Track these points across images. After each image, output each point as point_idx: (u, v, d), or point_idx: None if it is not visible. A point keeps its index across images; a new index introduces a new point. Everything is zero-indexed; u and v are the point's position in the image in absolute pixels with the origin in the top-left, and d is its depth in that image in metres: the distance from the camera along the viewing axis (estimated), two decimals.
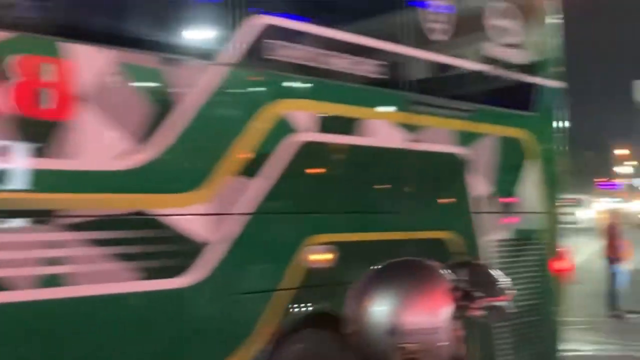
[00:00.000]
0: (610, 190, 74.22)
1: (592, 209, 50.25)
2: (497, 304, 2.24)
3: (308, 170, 5.09)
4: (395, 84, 5.71)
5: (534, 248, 6.81)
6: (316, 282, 4.94)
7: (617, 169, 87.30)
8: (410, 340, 1.95)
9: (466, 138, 6.17)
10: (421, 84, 5.97)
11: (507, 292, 2.27)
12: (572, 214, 36.60)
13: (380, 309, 1.97)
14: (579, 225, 35.28)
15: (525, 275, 6.52)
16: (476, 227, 6.18)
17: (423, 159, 5.81)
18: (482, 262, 2.37)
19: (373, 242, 5.32)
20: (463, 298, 2.08)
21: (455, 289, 2.05)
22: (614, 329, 11.65)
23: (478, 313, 2.18)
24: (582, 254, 24.75)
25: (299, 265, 4.87)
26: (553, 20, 7.37)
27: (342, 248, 5.10)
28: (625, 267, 12.83)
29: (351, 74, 5.31)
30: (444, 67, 6.33)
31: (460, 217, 6.14)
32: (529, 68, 7.10)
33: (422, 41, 5.91)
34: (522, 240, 6.67)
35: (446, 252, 5.85)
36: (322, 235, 5.02)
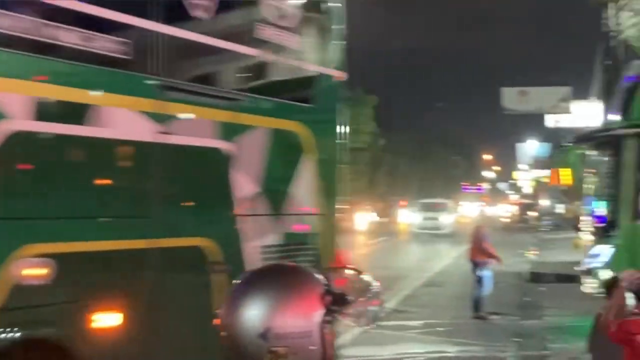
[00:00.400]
0: (475, 193, 77.64)
1: (458, 214, 50.05)
2: (369, 308, 2.28)
3: (19, 166, 4.16)
4: (141, 66, 4.84)
5: (308, 254, 6.06)
6: (28, 302, 4.05)
7: (485, 173, 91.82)
8: (281, 344, 1.96)
9: (230, 130, 5.37)
10: (175, 68, 5.12)
11: (379, 296, 2.29)
12: (436, 219, 37.05)
13: (252, 313, 1.97)
14: (442, 231, 36.95)
15: None
16: (239, 232, 5.41)
17: (176, 153, 4.99)
18: (355, 267, 2.29)
19: (109, 252, 4.51)
20: (335, 302, 2.05)
21: (327, 293, 2.04)
22: (477, 331, 11.66)
23: (350, 317, 2.19)
24: (446, 257, 25.30)
25: (6, 282, 3.95)
26: (336, 5, 6.79)
27: (65, 260, 4.21)
28: (490, 270, 12.89)
29: (82, 51, 4.41)
30: (206, 49, 5.44)
31: (221, 221, 5.37)
32: (309, 56, 6.42)
33: (179, 17, 5.06)
34: (295, 245, 5.93)
35: (202, 262, 5.10)
36: (37, 245, 4.13)
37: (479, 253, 13.20)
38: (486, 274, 13.05)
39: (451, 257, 24.82)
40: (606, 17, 31.11)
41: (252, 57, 5.88)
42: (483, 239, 13.32)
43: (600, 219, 10.90)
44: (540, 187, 62.34)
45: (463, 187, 79.14)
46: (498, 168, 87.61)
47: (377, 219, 48.12)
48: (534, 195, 67.23)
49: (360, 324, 2.35)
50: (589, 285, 10.36)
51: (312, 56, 6.48)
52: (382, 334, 10.93)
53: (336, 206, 6.59)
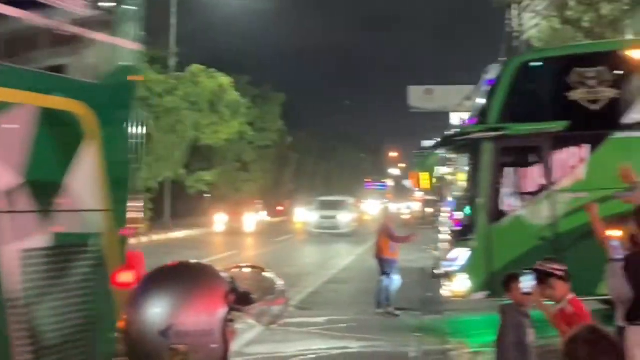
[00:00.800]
0: (378, 190, 77.73)
1: (360, 211, 46.94)
2: (273, 307, 2.26)
3: None
4: None
5: (87, 257, 5.03)
6: None
7: (391, 171, 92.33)
8: (182, 341, 1.96)
9: None
10: None
11: (283, 295, 2.27)
12: (333, 217, 34.64)
13: (154, 311, 1.97)
14: (340, 231, 34.64)
15: (72, 294, 4.82)
16: None
17: None
18: (260, 266, 2.28)
19: None
20: (238, 301, 2.07)
21: (231, 292, 2.05)
22: (380, 326, 11.61)
23: (253, 316, 2.18)
24: (350, 254, 25.10)
25: None
26: None
27: None
28: (395, 266, 12.90)
29: None
30: None
31: None
32: (96, 23, 5.29)
33: None
34: (69, 247, 4.93)
35: None
36: None
37: (386, 250, 13.27)
38: (392, 269, 13.17)
39: (355, 254, 24.83)
40: (509, 18, 32.15)
41: (17, 18, 4.79)
42: (391, 235, 13.32)
43: (457, 222, 11.02)
44: (444, 185, 63.46)
45: (366, 183, 79.67)
46: (403, 165, 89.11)
47: (268, 218, 43.89)
48: (437, 193, 68.40)
49: (264, 322, 2.31)
50: (447, 289, 10.51)
51: (100, 22, 5.39)
52: (286, 331, 10.90)
53: (127, 202, 5.54)
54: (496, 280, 10.10)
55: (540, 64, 10.94)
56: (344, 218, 36.32)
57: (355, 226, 36.86)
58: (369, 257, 14.55)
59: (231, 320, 2.06)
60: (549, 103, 10.78)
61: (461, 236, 10.55)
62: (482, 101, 11.21)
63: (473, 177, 10.59)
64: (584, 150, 10.39)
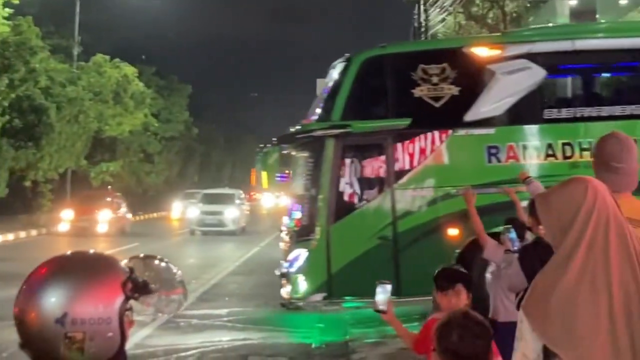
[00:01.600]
0: (279, 182, 76.30)
1: (254, 204, 43.43)
2: (172, 297, 2.26)
3: None
4: None
5: None
6: None
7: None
8: (78, 329, 1.96)
9: None
10: None
11: (181, 286, 2.27)
12: (219, 213, 29.92)
13: (49, 299, 1.96)
14: (225, 228, 29.92)
15: None
16: None
17: None
18: (159, 256, 2.28)
19: None
20: (136, 290, 2.07)
21: (128, 281, 2.06)
22: (282, 318, 11.48)
23: (152, 306, 2.18)
24: (255, 245, 24.56)
25: None
26: None
27: None
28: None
29: None
30: None
31: None
32: None
33: None
34: None
35: None
36: None
37: None
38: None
39: (259, 245, 24.62)
40: (417, 14, 32.44)
41: None
42: None
43: (297, 222, 10.81)
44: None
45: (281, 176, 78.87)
46: None
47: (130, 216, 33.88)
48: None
49: (162, 312, 2.30)
50: (285, 291, 10.35)
51: None
52: (188, 323, 10.99)
53: None
54: (335, 282, 10.28)
55: (385, 60, 10.81)
56: (231, 214, 30.68)
57: (244, 223, 31.96)
58: (273, 249, 14.13)
59: (129, 310, 2.07)
60: (394, 100, 10.68)
61: (301, 236, 10.38)
62: (325, 97, 11.08)
63: (315, 176, 10.39)
64: (426, 147, 10.37)
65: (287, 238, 11.15)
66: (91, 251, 2.17)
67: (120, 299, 2.03)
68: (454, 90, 10.54)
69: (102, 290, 2.01)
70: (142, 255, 2.26)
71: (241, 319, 11.61)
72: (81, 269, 2.05)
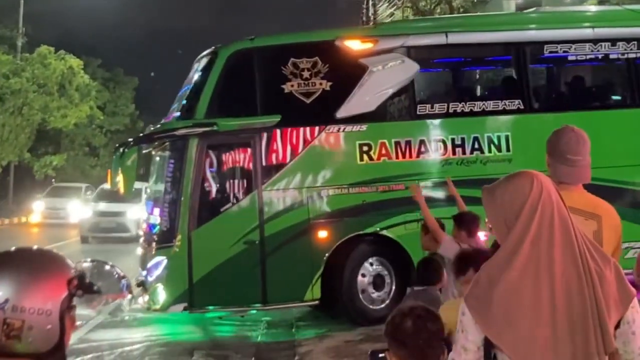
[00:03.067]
0: None
1: None
2: (117, 300, 2.46)
3: None
4: None
5: None
6: None
7: None
8: (17, 316, 2.01)
9: None
10: None
11: (126, 290, 2.34)
12: (119, 214, 23.26)
13: None
14: (127, 234, 22.99)
15: None
16: None
17: None
18: (103, 260, 2.33)
19: None
20: (81, 289, 2.12)
21: (75, 279, 2.11)
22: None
23: (93, 306, 2.23)
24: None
25: None
26: None
27: None
28: None
29: None
30: None
31: None
32: None
33: None
34: None
35: None
36: None
37: None
38: None
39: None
40: (365, 8, 31.91)
41: None
42: None
43: (152, 227, 10.19)
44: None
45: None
46: None
47: None
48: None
49: (104, 312, 1.98)
50: (143, 301, 9.74)
51: None
52: (133, 317, 10.86)
53: None
54: (196, 291, 9.67)
55: (254, 53, 10.19)
56: (135, 215, 22.39)
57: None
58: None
59: (72, 308, 2.12)
60: (263, 96, 10.06)
61: (160, 242, 9.69)
62: (188, 94, 10.40)
63: (176, 177, 9.68)
64: (297, 145, 9.87)
65: (145, 244, 10.40)
66: (38, 247, 2.23)
67: (63, 294, 2.07)
68: (326, 85, 10.10)
69: (47, 283, 2.06)
70: (87, 259, 2.32)
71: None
72: (29, 260, 2.12)
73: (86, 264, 2.26)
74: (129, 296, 2.39)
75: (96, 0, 46.14)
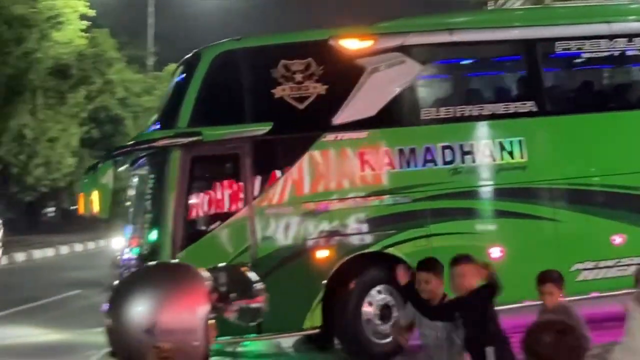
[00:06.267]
0: None
1: None
2: (252, 305, 2.56)
3: None
4: None
5: None
6: None
7: None
8: (165, 339, 2.15)
9: None
10: None
11: (261, 293, 2.54)
12: None
13: (138, 309, 2.13)
14: None
15: None
16: None
17: None
18: (239, 265, 2.43)
19: None
20: (220, 300, 2.31)
21: (213, 290, 2.29)
22: None
23: (233, 314, 2.44)
24: None
25: None
26: None
27: None
28: None
29: None
30: None
31: None
32: None
33: None
34: None
35: None
36: None
37: None
38: None
39: None
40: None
41: None
42: None
43: (131, 251, 9.10)
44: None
45: None
46: None
47: None
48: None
49: (243, 320, 2.54)
50: None
51: None
52: None
53: None
54: None
55: (240, 55, 9.24)
56: None
57: None
58: None
59: (213, 319, 2.30)
60: (251, 102, 9.11)
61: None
62: (169, 101, 9.42)
63: (157, 195, 8.70)
64: (291, 156, 8.92)
65: (122, 270, 9.26)
66: (174, 261, 2.90)
67: (205, 308, 2.25)
68: (321, 89, 9.13)
69: (189, 301, 2.21)
70: (220, 265, 2.51)
71: None
72: (167, 279, 2.26)
73: (219, 272, 2.32)
74: (263, 300, 2.44)
75: (221, 18, 45.76)
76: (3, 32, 25.99)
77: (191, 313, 2.12)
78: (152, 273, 2.25)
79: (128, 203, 10.02)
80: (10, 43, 26.43)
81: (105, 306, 2.12)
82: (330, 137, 9.10)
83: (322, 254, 8.84)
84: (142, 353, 2.07)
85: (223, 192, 8.77)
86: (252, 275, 2.35)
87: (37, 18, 26.81)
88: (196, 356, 2.15)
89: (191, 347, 2.11)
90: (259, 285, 2.35)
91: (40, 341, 11.23)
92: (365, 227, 9.01)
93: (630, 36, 9.98)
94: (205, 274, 2.24)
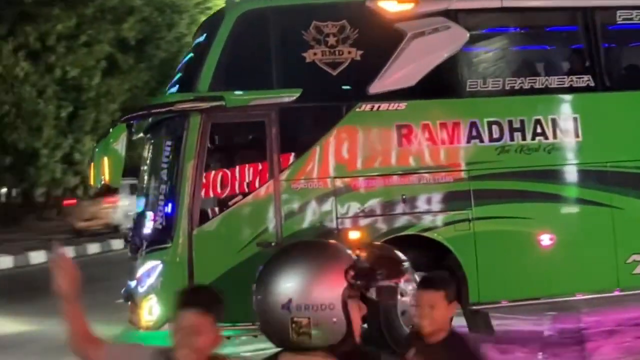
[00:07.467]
0: None
1: None
2: (394, 284, 2.48)
3: None
4: None
5: None
6: None
7: None
8: (303, 315, 2.10)
9: None
10: None
11: (407, 272, 2.59)
12: None
13: (277, 285, 2.12)
14: None
15: None
16: None
17: None
18: (388, 245, 2.70)
19: None
20: (359, 277, 2.14)
21: (353, 267, 2.15)
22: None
23: (374, 293, 2.26)
24: None
25: None
26: None
27: None
28: None
29: None
30: None
31: None
32: None
33: None
34: None
35: None
36: None
37: None
38: None
39: None
40: None
41: None
42: None
43: (143, 225, 8.34)
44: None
45: None
46: None
47: None
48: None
49: (381, 300, 2.37)
50: (135, 318, 7.87)
51: None
52: None
53: None
54: None
55: (268, 14, 8.50)
56: None
57: None
58: None
59: (353, 296, 2.14)
60: (279, 65, 8.38)
61: (154, 244, 7.92)
62: (189, 63, 8.66)
63: (174, 164, 7.97)
64: (321, 127, 8.21)
65: (134, 247, 8.52)
66: (319, 240, 2.50)
67: (342, 286, 2.11)
68: (355, 54, 8.37)
69: (325, 278, 2.12)
70: (372, 244, 2.91)
71: None
72: (307, 257, 2.19)
73: (366, 249, 2.30)
74: (409, 279, 2.63)
75: None
76: (155, 18, 27.38)
77: (328, 290, 2.05)
78: (293, 251, 2.20)
79: (142, 172, 9.27)
80: (162, 28, 27.87)
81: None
82: (365, 107, 8.34)
83: (353, 235, 8.06)
84: (283, 328, 2.08)
85: (246, 164, 8.05)
86: (399, 254, 2.34)
87: (187, 4, 28.23)
88: (336, 333, 2.06)
89: (330, 323, 2.04)
90: (406, 265, 2.32)
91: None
92: (401, 208, 8.25)
93: None
94: (347, 252, 2.15)
